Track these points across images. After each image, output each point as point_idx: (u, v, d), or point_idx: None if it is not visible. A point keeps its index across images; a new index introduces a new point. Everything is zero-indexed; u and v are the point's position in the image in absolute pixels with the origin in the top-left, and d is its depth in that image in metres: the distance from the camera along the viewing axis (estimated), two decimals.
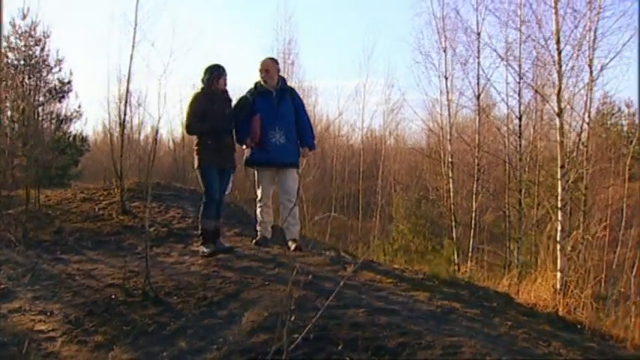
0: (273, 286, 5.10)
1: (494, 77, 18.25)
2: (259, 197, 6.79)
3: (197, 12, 51.07)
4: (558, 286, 6.95)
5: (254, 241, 6.81)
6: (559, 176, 7.04)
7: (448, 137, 16.07)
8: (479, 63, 14.27)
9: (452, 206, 15.80)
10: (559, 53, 6.78)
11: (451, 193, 16.00)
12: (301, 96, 7.24)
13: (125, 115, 9.41)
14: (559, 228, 7.01)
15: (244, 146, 6.70)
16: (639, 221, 16.20)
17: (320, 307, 4.25)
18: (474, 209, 15.03)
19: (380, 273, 5.71)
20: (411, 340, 3.90)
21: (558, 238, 7.01)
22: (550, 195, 12.33)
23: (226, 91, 6.48)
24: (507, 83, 13.41)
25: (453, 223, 15.68)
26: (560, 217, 7.01)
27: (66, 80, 21.42)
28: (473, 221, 15.07)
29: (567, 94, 7.64)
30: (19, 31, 18.40)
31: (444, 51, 16.29)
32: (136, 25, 8.99)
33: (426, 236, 18.70)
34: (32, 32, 18.91)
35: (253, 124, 6.48)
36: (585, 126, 8.63)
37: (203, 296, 4.94)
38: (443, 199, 18.22)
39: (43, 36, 19.76)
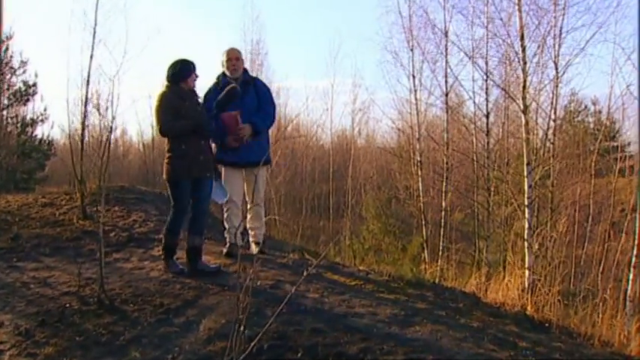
0: (233, 291, 4.93)
1: (462, 75, 18.30)
2: (227, 198, 6.19)
3: (159, 13, 50.66)
4: (526, 284, 6.88)
5: (224, 251, 6.31)
6: (525, 173, 6.98)
7: (417, 136, 16.04)
8: (447, 61, 14.27)
9: (422, 205, 15.75)
10: (523, 50, 6.72)
11: (420, 192, 15.96)
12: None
13: (85, 117, 9.09)
14: (526, 225, 6.95)
15: (216, 146, 6.12)
16: (606, 217, 16.35)
17: (280, 313, 4.12)
18: (443, 208, 15.00)
19: (344, 275, 5.59)
20: (373, 345, 3.79)
21: (526, 236, 6.95)
22: (518, 192, 12.34)
23: (195, 92, 5.72)
24: (474, 81, 13.45)
25: (423, 222, 15.64)
26: (527, 215, 6.95)
27: (31, 83, 21.02)
28: (442, 220, 15.03)
29: (533, 91, 7.62)
30: None
31: (412, 50, 16.26)
32: (95, 24, 8.79)
33: (396, 235, 18.63)
34: None
35: (231, 120, 5.89)
36: (552, 123, 8.64)
37: (160, 303, 4.76)
38: (413, 198, 18.19)
39: (6, 37, 19.33)
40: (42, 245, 7.25)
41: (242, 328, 3.05)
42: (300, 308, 4.43)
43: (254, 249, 6.27)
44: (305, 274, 3.12)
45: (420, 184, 15.91)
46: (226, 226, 6.38)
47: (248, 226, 6.40)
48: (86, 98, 8.82)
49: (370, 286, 5.25)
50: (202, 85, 6.10)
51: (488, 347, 4.03)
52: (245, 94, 6.08)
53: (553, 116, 7.88)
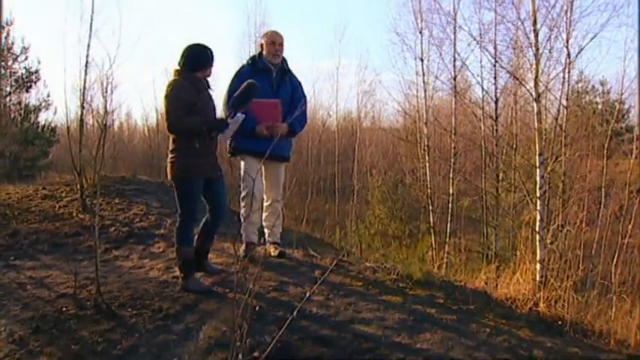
0: (234, 296, 4.74)
1: (470, 59, 17.98)
2: (245, 193, 5.68)
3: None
4: (538, 278, 6.67)
5: (241, 252, 5.66)
6: (537, 164, 6.74)
7: (424, 120, 15.77)
8: (455, 45, 13.96)
9: (428, 190, 15.52)
10: (536, 35, 6.45)
11: (427, 177, 15.73)
12: None
13: (83, 107, 8.86)
14: (538, 218, 6.72)
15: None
16: (615, 199, 16.09)
17: (283, 318, 3.93)
18: (450, 193, 14.77)
19: (350, 274, 5.39)
20: (382, 356, 3.59)
21: (537, 228, 6.72)
22: (527, 178, 12.10)
23: (209, 82, 5.01)
24: (482, 66, 13.16)
25: (430, 208, 15.42)
26: (538, 207, 6.72)
27: (33, 69, 20.81)
28: (450, 205, 14.81)
29: (544, 78, 7.35)
30: None
31: (420, 32, 15.96)
32: (92, 12, 8.54)
33: (403, 220, 18.46)
34: None
35: (270, 109, 5.38)
36: (563, 110, 8.36)
37: (159, 308, 4.57)
38: (419, 183, 17.98)
39: (6, 23, 19.12)
40: (40, 242, 7.07)
41: (243, 340, 2.86)
42: (304, 313, 4.23)
43: (272, 251, 5.79)
44: (312, 289, 2.91)
45: (427, 168, 15.66)
46: (243, 221, 5.74)
47: (264, 224, 5.92)
48: (84, 87, 8.56)
49: (377, 286, 5.05)
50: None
51: (503, 356, 3.83)
52: (282, 84, 5.66)
53: (565, 102, 7.62)
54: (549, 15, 6.79)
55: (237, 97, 4.92)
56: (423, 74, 15.82)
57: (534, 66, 6.49)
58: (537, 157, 6.74)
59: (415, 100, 17.23)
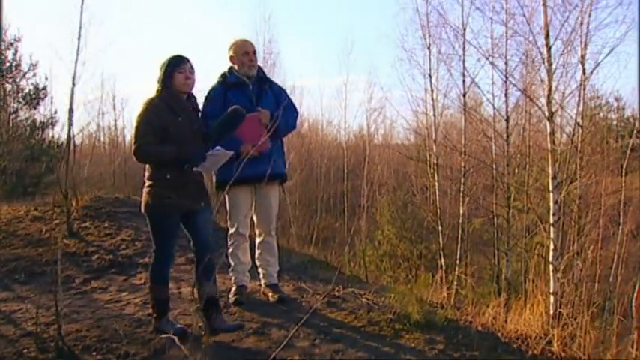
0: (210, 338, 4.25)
1: (480, 75, 17.54)
2: (233, 230, 5.03)
3: (166, 13, 49.89)
4: (551, 311, 6.15)
5: (232, 297, 5.05)
6: (550, 188, 6.22)
7: (433, 138, 15.28)
8: (464, 61, 13.48)
9: (438, 210, 15.00)
10: (548, 50, 5.96)
11: (437, 197, 15.21)
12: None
13: (70, 124, 8.48)
14: (551, 246, 6.20)
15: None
16: (632, 216, 15.47)
17: None
18: (460, 214, 14.23)
19: (343, 312, 4.88)
20: None
21: (551, 258, 6.20)
22: (541, 198, 11.58)
23: (193, 96, 4.34)
24: (493, 83, 12.68)
25: (440, 228, 14.89)
26: (552, 235, 6.20)
27: (41, 86, 20.61)
28: (460, 226, 14.27)
29: (558, 95, 6.87)
30: None
31: (429, 48, 15.52)
32: (80, 28, 8.25)
33: (412, 241, 17.98)
34: (3, 36, 18.03)
35: (253, 123, 4.63)
36: (578, 129, 7.81)
37: (125, 353, 4.08)
38: (429, 202, 17.48)
39: (15, 40, 18.96)
40: (19, 270, 6.66)
41: None
42: None
43: (270, 296, 5.08)
44: (292, 332, 2.43)
45: (437, 188, 15.15)
46: (231, 262, 5.12)
47: (257, 263, 5.20)
48: (71, 106, 8.19)
49: (371, 327, 4.54)
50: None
51: None
52: (262, 95, 4.95)
53: (580, 121, 7.10)
54: (563, 28, 6.33)
55: (219, 125, 4.22)
56: (432, 91, 15.37)
57: (547, 82, 6.00)
58: (550, 180, 6.23)
59: (424, 117, 16.78)
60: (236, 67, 5.00)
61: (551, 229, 6.23)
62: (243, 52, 4.95)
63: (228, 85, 4.95)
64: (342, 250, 20.08)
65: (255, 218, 5.14)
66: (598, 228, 8.11)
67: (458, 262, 14.08)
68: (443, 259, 14.45)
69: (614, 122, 23.44)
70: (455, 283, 13.50)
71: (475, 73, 13.36)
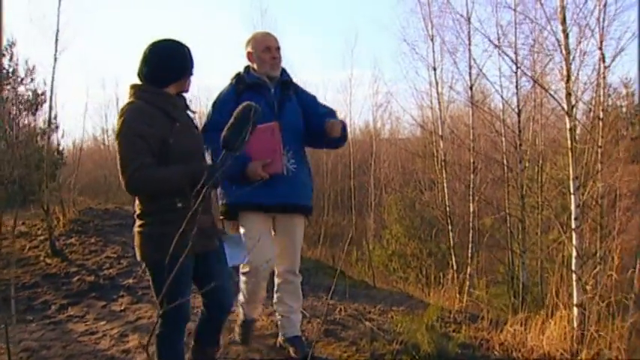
0: None
1: (487, 66, 16.87)
2: (249, 268, 3.80)
3: (160, 9, 49.33)
4: (576, 325, 5.56)
5: (237, 335, 4.19)
6: (571, 190, 5.61)
7: (440, 133, 14.66)
8: (470, 51, 12.83)
9: (447, 208, 14.39)
10: (566, 36, 5.35)
11: (445, 194, 14.60)
12: None
13: (49, 130, 7.97)
14: (574, 254, 5.61)
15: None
16: None
17: None
18: (471, 211, 13.63)
19: (345, 342, 4.31)
20: None
21: (574, 267, 5.61)
22: (556, 193, 10.98)
23: (186, 101, 3.15)
24: (501, 74, 12.05)
25: (449, 227, 14.29)
26: (574, 241, 5.60)
27: (40, 91, 20.20)
28: (470, 224, 13.66)
29: (575, 86, 6.26)
30: None
31: (432, 39, 14.86)
32: (58, 31, 7.81)
33: (421, 239, 17.43)
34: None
35: (264, 136, 3.43)
36: (598, 123, 7.19)
37: None
38: (437, 200, 16.89)
39: (9, 45, 18.55)
40: None
41: None
42: None
43: (292, 352, 3.94)
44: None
45: (445, 185, 14.53)
46: (242, 298, 4.02)
47: (276, 308, 4.08)
48: (50, 108, 7.76)
49: None
50: (212, 85, 4.32)
51: None
52: (285, 103, 3.88)
53: (601, 114, 6.48)
54: (580, 12, 5.72)
55: (231, 130, 2.93)
56: (437, 84, 14.71)
57: (564, 73, 5.39)
58: (572, 181, 5.62)
59: (430, 111, 16.17)
60: (255, 66, 3.93)
61: (573, 234, 5.63)
62: (264, 47, 3.88)
63: (243, 88, 3.82)
64: (350, 249, 19.59)
65: (274, 254, 3.91)
66: (620, 228, 7.50)
67: (469, 261, 13.48)
68: (454, 258, 13.86)
69: (624, 109, 22.78)
70: (467, 283, 12.96)
71: (482, 63, 12.75)
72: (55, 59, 7.71)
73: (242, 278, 3.90)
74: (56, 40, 7.72)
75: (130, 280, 6.15)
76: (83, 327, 5.08)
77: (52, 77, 7.72)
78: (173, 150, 2.85)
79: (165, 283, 2.36)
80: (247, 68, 3.98)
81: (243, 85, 3.84)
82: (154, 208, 2.88)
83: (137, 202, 2.94)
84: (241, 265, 3.78)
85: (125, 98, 3.02)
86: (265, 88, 3.83)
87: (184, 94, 3.14)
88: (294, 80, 4.08)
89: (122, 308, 5.45)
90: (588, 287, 5.57)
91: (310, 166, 4.04)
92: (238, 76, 3.94)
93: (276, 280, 4.04)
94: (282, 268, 3.99)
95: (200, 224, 2.69)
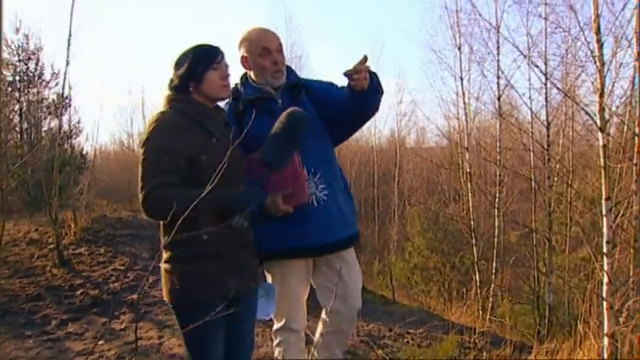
0: None
1: (515, 77, 16.42)
2: (280, 325, 3.06)
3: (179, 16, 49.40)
4: (605, 356, 5.17)
5: None
6: (604, 211, 5.24)
7: (466, 145, 14.26)
8: (498, 61, 12.42)
9: (471, 222, 14.00)
10: (600, 47, 4.99)
11: (470, 207, 14.20)
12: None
13: (61, 135, 7.79)
14: (605, 280, 5.22)
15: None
16: None
17: None
18: (496, 226, 13.22)
19: None
20: None
21: (604, 294, 5.22)
22: (586, 210, 10.55)
23: (221, 109, 2.73)
24: (530, 85, 11.64)
25: (474, 241, 13.90)
26: (606, 266, 5.22)
27: (65, 94, 20.27)
28: (495, 239, 13.25)
29: (609, 100, 5.86)
30: (12, 46, 17.12)
31: (459, 48, 14.48)
32: (70, 35, 7.68)
33: (444, 252, 17.08)
34: (26, 46, 17.70)
35: (288, 169, 2.70)
36: (635, 139, 6.74)
37: None
38: (462, 212, 16.50)
39: (36, 49, 18.65)
40: None
41: None
42: None
43: None
44: None
45: (470, 198, 14.13)
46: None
47: (320, 353, 3.25)
48: (61, 114, 7.58)
49: None
50: None
51: None
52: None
53: (637, 130, 6.06)
54: (617, 21, 5.34)
55: (274, 141, 2.57)
56: (464, 94, 14.31)
57: (598, 86, 5.02)
58: (604, 202, 5.24)
59: (456, 122, 15.76)
60: (252, 74, 3.06)
61: (605, 259, 5.24)
62: (261, 49, 2.95)
63: (242, 105, 2.99)
64: (371, 260, 19.29)
65: (320, 296, 3.16)
66: None
67: (493, 277, 13.08)
68: (477, 274, 13.48)
69: None
70: (490, 300, 12.60)
71: (510, 74, 12.34)
72: (68, 63, 7.54)
73: (275, 341, 3.13)
74: (68, 44, 7.54)
75: (135, 296, 5.91)
76: (81, 346, 4.85)
77: (64, 81, 7.57)
78: (205, 168, 2.36)
79: (191, 334, 2.26)
80: (244, 78, 3.12)
81: (242, 103, 2.99)
82: (178, 239, 2.23)
83: (161, 230, 2.54)
84: (274, 326, 3.11)
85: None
86: (271, 102, 2.98)
87: (222, 105, 2.77)
88: (303, 75, 3.25)
89: (122, 327, 5.20)
90: (622, 318, 5.18)
91: (346, 181, 3.24)
92: (235, 90, 3.03)
93: (327, 322, 3.17)
94: (334, 322, 3.14)
95: (234, 261, 2.52)
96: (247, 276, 2.60)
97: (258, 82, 3.02)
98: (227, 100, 2.93)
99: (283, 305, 2.97)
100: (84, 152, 21.50)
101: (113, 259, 7.21)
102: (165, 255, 2.46)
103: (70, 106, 20.92)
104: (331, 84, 3.14)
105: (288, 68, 3.10)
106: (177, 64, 2.55)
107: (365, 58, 2.75)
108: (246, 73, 3.11)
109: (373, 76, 2.83)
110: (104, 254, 7.42)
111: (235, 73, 2.88)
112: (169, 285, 2.46)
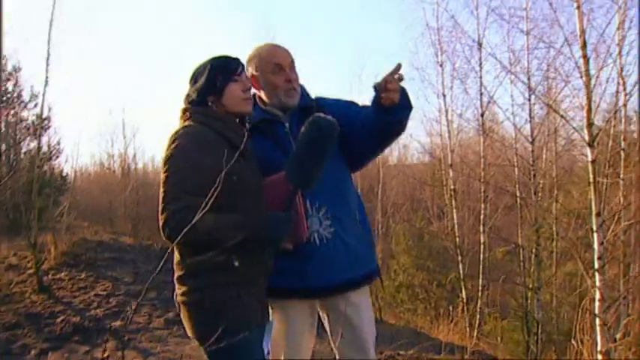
0: None
1: (498, 93, 16.48)
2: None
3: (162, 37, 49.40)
4: None
5: None
6: (594, 227, 5.19)
7: (449, 162, 14.26)
8: (481, 77, 12.44)
9: (457, 239, 13.95)
10: (586, 61, 4.96)
11: (455, 224, 14.17)
12: None
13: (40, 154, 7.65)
14: (597, 296, 5.17)
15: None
16: None
17: None
18: (481, 242, 13.19)
19: None
20: None
21: (596, 310, 5.17)
22: (573, 224, 10.56)
23: (243, 124, 2.46)
24: (513, 101, 11.66)
25: (459, 258, 13.84)
26: (597, 282, 5.17)
27: (44, 116, 20.07)
28: (481, 256, 13.21)
29: (597, 116, 5.85)
30: None
31: (441, 65, 14.51)
32: (49, 47, 7.61)
33: (430, 270, 17.03)
34: (3, 67, 17.55)
35: (275, 191, 2.39)
36: (620, 154, 6.77)
37: None
38: (447, 229, 16.47)
39: (14, 70, 18.48)
40: None
41: None
42: None
43: None
44: None
45: (455, 215, 14.10)
46: None
47: None
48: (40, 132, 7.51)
49: None
50: None
51: None
52: None
53: (624, 145, 6.07)
54: (601, 37, 5.31)
55: (300, 157, 2.32)
56: (446, 111, 14.33)
57: (585, 102, 5.00)
58: (594, 217, 5.19)
59: (439, 139, 15.77)
60: (262, 95, 2.74)
61: (597, 275, 5.20)
62: (273, 65, 2.66)
63: (249, 130, 2.53)
64: None
65: (332, 341, 2.77)
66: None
67: (480, 294, 13.04)
68: (464, 291, 13.43)
69: (635, 135, 22.38)
70: (478, 317, 12.54)
71: (493, 91, 12.35)
72: (46, 83, 7.47)
73: None
74: (47, 64, 7.45)
75: (118, 322, 5.74)
76: None
77: (43, 101, 7.48)
78: (236, 190, 2.19)
79: None
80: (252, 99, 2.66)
81: (249, 124, 2.59)
82: (202, 266, 2.19)
83: (176, 256, 2.26)
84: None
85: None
86: (276, 126, 2.68)
87: (245, 120, 2.47)
88: (317, 94, 2.87)
89: (106, 355, 5.03)
90: (617, 335, 5.12)
91: (364, 212, 2.86)
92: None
93: None
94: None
95: (261, 289, 2.35)
96: (267, 305, 2.47)
97: (269, 103, 2.72)
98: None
99: (280, 348, 2.68)
100: (64, 174, 21.29)
101: (95, 284, 7.05)
102: (182, 287, 2.23)
103: (49, 127, 20.81)
104: (350, 102, 2.87)
105: (302, 88, 2.79)
106: (194, 78, 2.35)
107: (399, 66, 2.45)
108: (254, 95, 2.69)
109: (404, 90, 2.51)
110: (85, 279, 7.25)
111: None
112: (194, 320, 2.23)
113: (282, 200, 2.32)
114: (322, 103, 2.76)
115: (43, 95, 7.55)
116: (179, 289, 2.23)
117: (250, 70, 2.69)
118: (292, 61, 2.71)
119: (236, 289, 2.20)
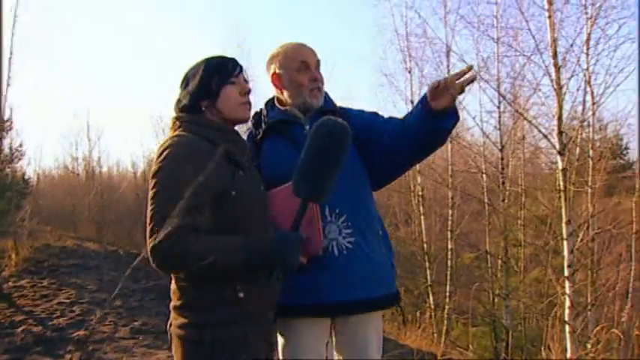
0: None
1: (467, 100, 16.50)
2: None
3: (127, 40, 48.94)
4: None
5: None
6: (564, 235, 5.22)
7: (417, 168, 14.29)
8: None
9: (424, 245, 14.01)
10: (557, 71, 4.99)
11: (423, 230, 14.22)
12: None
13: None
14: (567, 304, 5.19)
15: None
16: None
17: None
18: (449, 248, 13.25)
19: None
20: None
21: (566, 317, 5.19)
22: (539, 230, 10.66)
23: (236, 132, 2.20)
24: (482, 107, 11.71)
25: (427, 264, 13.90)
26: (567, 289, 5.19)
27: (5, 117, 19.61)
28: (449, 262, 13.27)
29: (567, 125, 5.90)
30: None
31: (409, 72, 14.56)
32: (11, 54, 7.39)
33: (397, 276, 17.04)
34: None
35: (285, 202, 2.16)
36: (588, 162, 6.84)
37: None
38: (414, 235, 16.51)
39: None
40: None
41: None
42: None
43: None
44: None
45: (422, 221, 14.15)
46: None
47: None
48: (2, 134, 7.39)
49: None
50: None
51: None
52: None
53: (592, 154, 6.12)
54: (571, 48, 5.33)
55: (309, 165, 2.04)
56: None
57: (556, 110, 5.03)
58: (564, 225, 5.22)
59: None
60: (285, 95, 2.55)
61: (567, 282, 5.22)
62: (299, 62, 2.50)
63: (262, 131, 2.54)
64: None
65: None
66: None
67: (448, 299, 13.10)
68: (431, 297, 13.48)
69: (598, 144, 22.78)
70: (445, 323, 12.59)
71: (462, 97, 12.40)
72: (8, 85, 7.27)
73: None
74: (9, 65, 7.25)
75: (82, 332, 5.57)
76: None
77: (4, 103, 7.29)
78: (235, 207, 1.97)
79: None
80: (270, 102, 2.64)
81: (262, 129, 2.54)
82: (204, 298, 1.95)
83: (173, 284, 2.03)
84: None
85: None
86: (295, 127, 2.49)
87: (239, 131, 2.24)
88: (342, 104, 2.69)
89: None
90: (589, 344, 5.14)
91: (386, 231, 2.65)
92: (258, 114, 2.63)
93: None
94: None
95: (266, 323, 2.11)
96: (272, 339, 2.20)
97: (292, 103, 2.52)
98: (251, 122, 2.59)
99: None
100: (26, 177, 20.82)
101: (58, 292, 6.87)
102: (179, 318, 1.99)
103: (11, 128, 20.33)
104: (375, 113, 2.65)
105: (326, 93, 2.62)
106: (185, 80, 2.12)
107: (470, 68, 2.26)
108: (272, 98, 2.62)
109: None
110: (48, 287, 7.08)
111: None
112: (192, 357, 1.97)
113: (291, 215, 2.08)
114: (347, 113, 2.57)
115: (5, 96, 7.26)
116: (175, 320, 2.01)
117: (273, 68, 2.55)
118: (318, 61, 2.55)
119: (242, 328, 1.96)
